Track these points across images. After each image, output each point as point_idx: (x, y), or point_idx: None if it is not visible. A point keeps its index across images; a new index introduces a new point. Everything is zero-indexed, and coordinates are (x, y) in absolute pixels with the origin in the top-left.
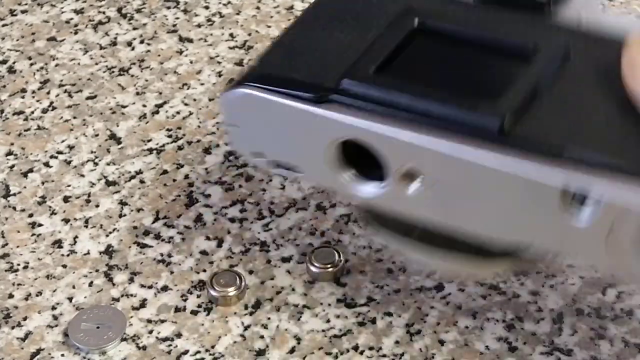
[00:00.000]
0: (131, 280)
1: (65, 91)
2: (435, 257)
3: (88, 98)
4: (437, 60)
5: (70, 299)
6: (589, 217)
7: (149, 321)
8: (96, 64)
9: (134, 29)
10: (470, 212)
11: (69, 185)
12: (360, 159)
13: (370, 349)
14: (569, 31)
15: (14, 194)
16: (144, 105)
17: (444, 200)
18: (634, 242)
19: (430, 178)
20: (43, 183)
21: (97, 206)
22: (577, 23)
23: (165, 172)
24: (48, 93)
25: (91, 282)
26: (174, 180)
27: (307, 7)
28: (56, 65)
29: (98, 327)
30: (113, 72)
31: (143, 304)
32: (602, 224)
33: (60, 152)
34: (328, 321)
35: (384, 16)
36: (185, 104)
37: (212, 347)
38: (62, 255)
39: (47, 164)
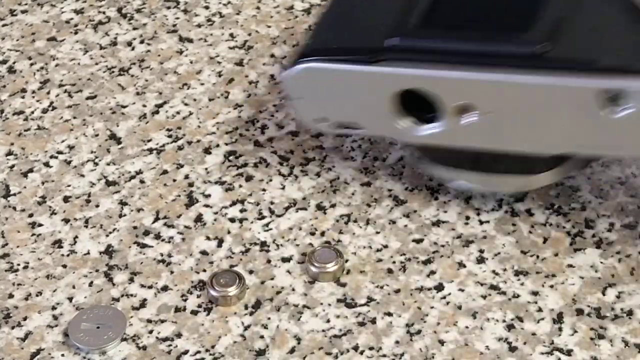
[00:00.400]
0: (131, 280)
1: (65, 91)
2: (484, 181)
3: (88, 98)
4: (465, 6)
5: (70, 299)
6: (625, 111)
7: (149, 321)
8: (96, 64)
9: (134, 29)
10: (520, 133)
11: (69, 185)
12: (414, 108)
13: (370, 349)
14: None
15: (14, 194)
16: (144, 105)
17: (496, 127)
18: None
19: (482, 109)
20: (43, 183)
21: (97, 206)
22: None
23: (165, 172)
24: (48, 93)
25: (91, 282)
26: (174, 180)
27: None
28: (56, 65)
29: (98, 327)
30: (113, 72)
31: (143, 304)
32: (637, 115)
33: (60, 152)
34: (328, 321)
35: None
36: (185, 104)
37: (212, 347)
38: (62, 255)
39: (47, 164)
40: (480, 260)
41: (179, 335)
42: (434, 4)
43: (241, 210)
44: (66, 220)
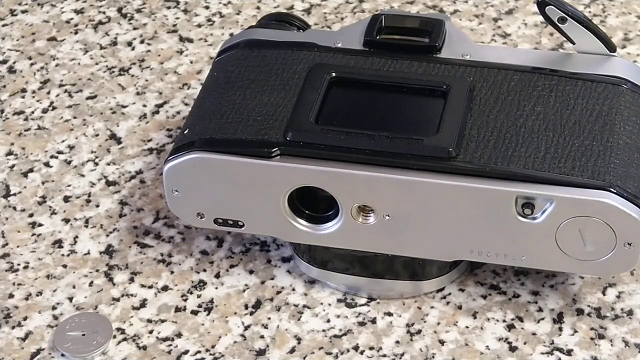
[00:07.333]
0: (131, 280)
1: (66, 91)
2: (376, 285)
3: (88, 98)
4: (365, 104)
5: (70, 299)
6: (541, 216)
7: (149, 321)
8: (96, 64)
9: (134, 29)
10: (424, 237)
11: (69, 185)
12: (307, 205)
13: (370, 349)
14: (463, 66)
15: (14, 194)
16: (144, 105)
17: (397, 230)
18: (579, 232)
19: (385, 211)
20: (43, 183)
21: (97, 206)
22: (463, 58)
23: None
24: (48, 93)
25: (91, 282)
26: None
27: (209, 74)
28: (56, 65)
29: (84, 335)
30: (113, 72)
31: (143, 304)
32: (552, 220)
33: (60, 152)
34: (328, 321)
35: (296, 74)
36: (185, 104)
37: (212, 347)
38: (62, 255)
39: (47, 164)
40: None
41: (179, 335)
42: (326, 99)
43: None
44: (66, 220)
